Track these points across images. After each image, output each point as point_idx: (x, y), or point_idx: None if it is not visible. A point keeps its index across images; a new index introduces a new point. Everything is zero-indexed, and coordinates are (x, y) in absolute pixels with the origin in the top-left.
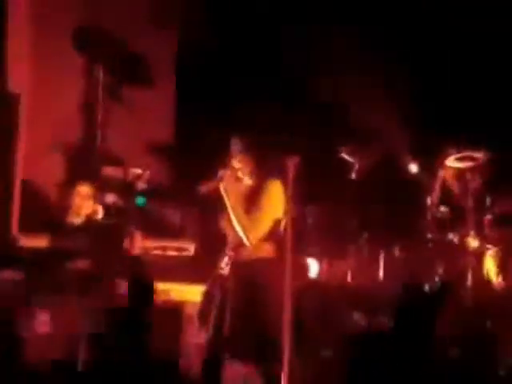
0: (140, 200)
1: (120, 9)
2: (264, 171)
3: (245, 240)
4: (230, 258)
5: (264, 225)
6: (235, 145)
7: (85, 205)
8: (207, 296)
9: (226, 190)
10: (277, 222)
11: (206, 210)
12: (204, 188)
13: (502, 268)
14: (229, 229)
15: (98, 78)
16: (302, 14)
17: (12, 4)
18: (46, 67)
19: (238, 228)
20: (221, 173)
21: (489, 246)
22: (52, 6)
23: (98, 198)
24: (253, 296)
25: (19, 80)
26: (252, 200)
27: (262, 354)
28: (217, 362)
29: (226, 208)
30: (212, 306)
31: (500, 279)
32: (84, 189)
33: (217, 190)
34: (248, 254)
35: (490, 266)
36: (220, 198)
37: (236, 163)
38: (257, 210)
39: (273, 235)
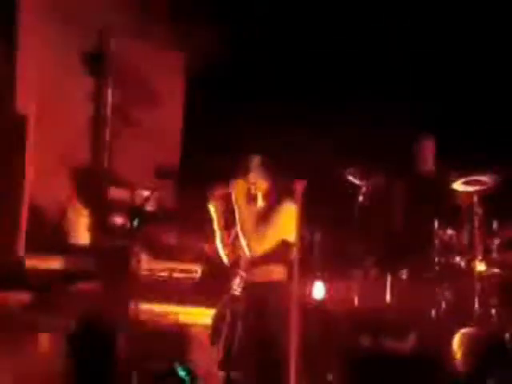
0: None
1: (128, 28)
2: (278, 192)
3: (247, 251)
4: (241, 279)
5: (269, 240)
6: (253, 161)
7: (82, 219)
8: (218, 316)
9: (236, 199)
10: (288, 245)
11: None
12: (216, 192)
13: None
14: (241, 249)
15: (105, 97)
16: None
17: (22, 26)
18: (54, 88)
19: (242, 237)
20: (234, 181)
21: (495, 270)
22: (61, 28)
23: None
24: (263, 318)
25: (27, 101)
26: (262, 217)
27: (270, 376)
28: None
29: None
30: (223, 327)
31: None
32: (79, 207)
33: (228, 197)
34: (260, 276)
35: None
36: (230, 206)
37: (252, 178)
38: (265, 224)
39: (284, 258)
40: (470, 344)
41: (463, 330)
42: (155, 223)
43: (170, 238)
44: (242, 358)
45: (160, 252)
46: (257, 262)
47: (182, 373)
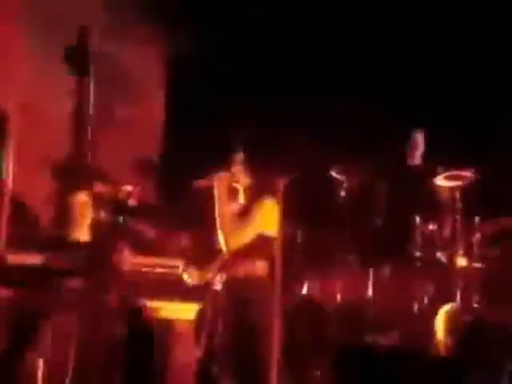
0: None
1: (108, 26)
2: (259, 189)
3: (222, 245)
4: (223, 275)
5: (245, 235)
6: (237, 156)
7: (85, 214)
8: (200, 313)
9: (218, 193)
10: (269, 241)
11: (195, 227)
12: (200, 183)
13: None
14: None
15: (87, 94)
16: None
17: (2, 24)
18: (35, 85)
19: (220, 231)
20: (218, 174)
21: (477, 265)
22: (41, 23)
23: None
24: (244, 314)
25: (8, 98)
26: (242, 213)
27: (251, 373)
28: (208, 379)
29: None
30: (205, 322)
31: None
32: (82, 198)
33: (210, 188)
34: (240, 271)
35: None
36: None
37: (235, 173)
38: (243, 220)
39: (266, 254)
40: (453, 320)
41: (446, 308)
42: (138, 218)
43: (152, 233)
44: (222, 354)
45: (142, 247)
46: (238, 257)
47: None
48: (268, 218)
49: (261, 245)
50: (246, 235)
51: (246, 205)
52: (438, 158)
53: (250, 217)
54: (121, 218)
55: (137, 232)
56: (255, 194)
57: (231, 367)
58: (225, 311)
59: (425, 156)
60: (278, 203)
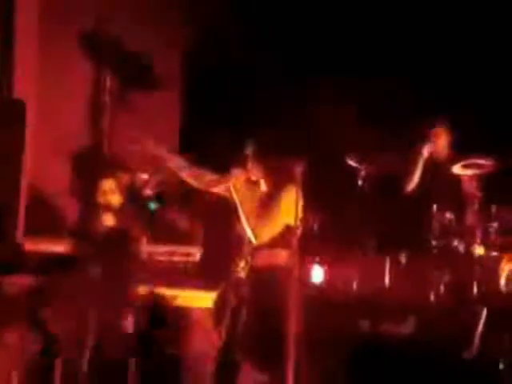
0: (152, 205)
1: (126, 14)
2: (277, 177)
3: (252, 239)
4: (246, 263)
5: (273, 226)
6: (249, 148)
7: (113, 200)
8: (221, 300)
9: (236, 189)
10: (291, 229)
11: (214, 215)
12: (215, 186)
13: None
14: (245, 232)
15: (104, 81)
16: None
17: (20, 11)
18: (53, 73)
19: (247, 226)
20: (233, 172)
21: (494, 253)
22: (59, 12)
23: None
24: (268, 302)
25: (25, 86)
26: (265, 202)
27: (275, 359)
28: (230, 366)
29: (237, 209)
30: (226, 310)
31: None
32: (108, 184)
33: (228, 189)
34: (264, 261)
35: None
36: (231, 198)
37: (250, 165)
38: (268, 211)
39: (288, 242)
40: None
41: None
42: (171, 207)
43: (185, 222)
44: (246, 343)
45: (160, 235)
46: (261, 246)
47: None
48: (289, 206)
49: (283, 233)
50: (274, 226)
51: (267, 194)
52: (459, 147)
53: (273, 207)
54: (152, 205)
55: (169, 221)
56: (274, 182)
57: (253, 354)
58: (249, 300)
59: (449, 145)
60: (297, 190)
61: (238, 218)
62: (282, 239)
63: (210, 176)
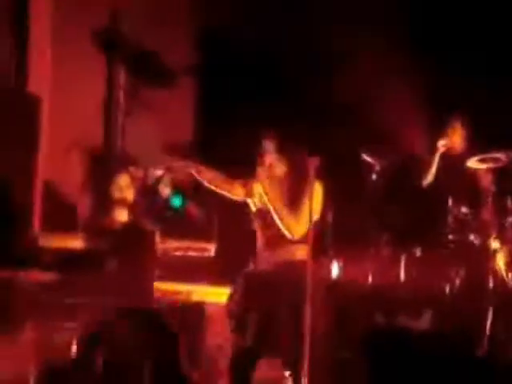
0: (177, 201)
1: (140, 10)
2: (301, 172)
3: (288, 235)
4: (265, 258)
5: (305, 221)
6: (268, 145)
7: (127, 195)
8: (238, 294)
9: (264, 188)
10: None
11: (229, 211)
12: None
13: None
14: (265, 228)
15: (118, 79)
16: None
17: (33, 8)
18: (67, 68)
19: (281, 223)
20: (258, 171)
21: (510, 247)
22: (73, 8)
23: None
24: (292, 296)
25: (40, 82)
26: (293, 197)
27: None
28: (247, 362)
29: (259, 208)
30: (247, 305)
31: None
32: (122, 179)
33: (252, 190)
34: (287, 254)
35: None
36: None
37: (269, 161)
38: (299, 205)
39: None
40: None
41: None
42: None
43: (203, 217)
44: (267, 337)
45: (174, 231)
46: (281, 241)
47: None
48: (317, 201)
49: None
50: (307, 220)
51: (293, 187)
52: (474, 141)
53: (303, 202)
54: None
55: (191, 217)
56: (297, 175)
57: (273, 350)
58: (271, 293)
59: (465, 139)
60: (319, 184)
61: (265, 217)
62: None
63: (237, 183)
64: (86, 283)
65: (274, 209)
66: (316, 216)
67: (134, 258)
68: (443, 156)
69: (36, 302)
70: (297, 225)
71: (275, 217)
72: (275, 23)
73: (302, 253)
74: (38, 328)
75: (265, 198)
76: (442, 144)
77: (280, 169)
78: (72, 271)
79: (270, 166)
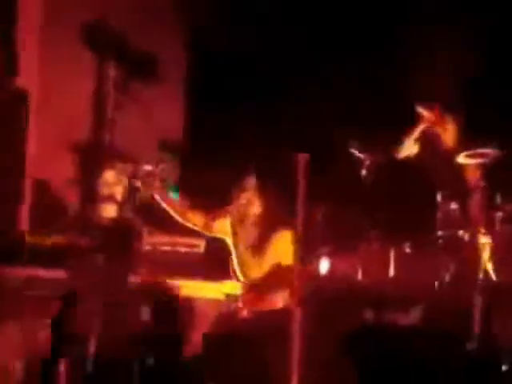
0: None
1: (129, 4)
2: (272, 216)
3: (240, 276)
4: (244, 303)
5: (263, 267)
6: (249, 182)
7: (115, 191)
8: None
9: (233, 228)
10: (288, 270)
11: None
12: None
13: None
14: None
15: (107, 74)
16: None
17: (22, 3)
18: (56, 64)
19: (236, 263)
20: (230, 208)
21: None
22: (61, 4)
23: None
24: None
25: (28, 77)
26: (258, 242)
27: None
28: None
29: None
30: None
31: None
32: (111, 175)
33: (214, 227)
34: (263, 305)
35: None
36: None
37: (246, 198)
38: (260, 251)
39: (286, 283)
40: None
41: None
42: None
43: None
44: None
45: (163, 225)
46: (259, 290)
47: None
48: (285, 248)
49: (280, 275)
50: (264, 267)
51: (260, 233)
52: (465, 138)
53: (266, 247)
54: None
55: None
56: (268, 222)
57: None
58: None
59: (455, 135)
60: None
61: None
62: (277, 281)
63: (205, 217)
64: (72, 279)
65: (234, 248)
66: (287, 262)
67: (120, 253)
68: (431, 149)
69: (21, 298)
70: (252, 269)
71: (233, 255)
72: (263, 23)
73: (283, 300)
74: (22, 324)
75: (229, 237)
76: (425, 114)
77: (256, 208)
78: (59, 267)
79: (248, 202)
